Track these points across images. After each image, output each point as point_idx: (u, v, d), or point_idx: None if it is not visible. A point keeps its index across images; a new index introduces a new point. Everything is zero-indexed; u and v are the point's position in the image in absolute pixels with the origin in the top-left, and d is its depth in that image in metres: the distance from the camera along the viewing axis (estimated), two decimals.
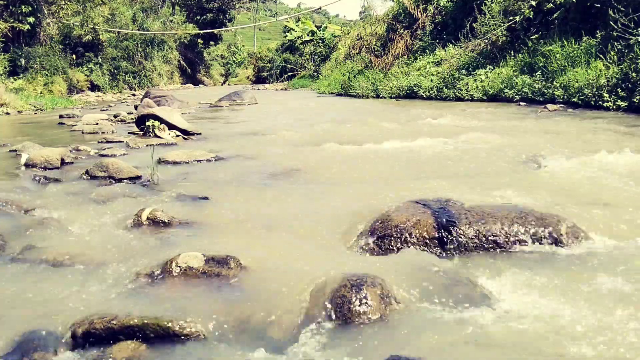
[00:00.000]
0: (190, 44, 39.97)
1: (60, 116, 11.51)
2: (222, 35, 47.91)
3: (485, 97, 11.68)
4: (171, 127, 7.17)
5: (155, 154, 4.62)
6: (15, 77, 17.59)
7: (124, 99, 21.22)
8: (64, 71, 20.65)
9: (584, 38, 9.78)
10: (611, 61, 8.73)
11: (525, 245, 2.42)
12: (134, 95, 23.76)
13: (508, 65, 11.65)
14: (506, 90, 11.09)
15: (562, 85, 9.61)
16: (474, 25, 13.11)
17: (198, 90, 31.23)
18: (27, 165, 4.89)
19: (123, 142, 6.73)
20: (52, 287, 2.16)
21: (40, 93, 17.85)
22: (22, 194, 3.73)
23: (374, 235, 2.55)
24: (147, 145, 6.21)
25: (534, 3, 11.22)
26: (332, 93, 19.02)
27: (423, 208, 2.66)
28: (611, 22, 8.80)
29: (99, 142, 6.93)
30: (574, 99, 9.13)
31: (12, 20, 17.59)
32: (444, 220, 2.51)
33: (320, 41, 30.55)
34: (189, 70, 38.77)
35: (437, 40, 15.52)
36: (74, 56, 23.31)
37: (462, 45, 13.59)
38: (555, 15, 10.88)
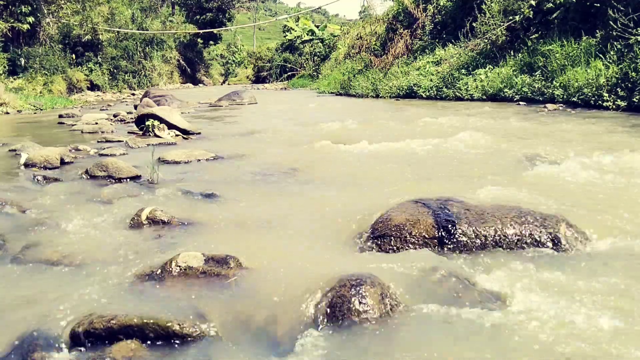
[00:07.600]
0: (189, 43, 39.97)
1: (60, 116, 11.51)
2: (221, 34, 47.95)
3: (484, 97, 11.67)
4: (171, 126, 7.17)
5: (155, 154, 4.62)
6: (15, 77, 17.60)
7: (123, 98, 21.21)
8: (63, 71, 20.65)
9: (584, 38, 9.77)
10: (611, 61, 8.73)
11: (524, 244, 2.41)
12: (133, 94, 23.75)
13: (508, 64, 11.64)
14: (506, 89, 11.08)
15: (561, 84, 9.61)
16: (474, 24, 13.10)
17: (198, 89, 31.23)
18: (26, 164, 4.89)
19: (123, 141, 6.72)
20: (51, 287, 2.16)
21: (40, 93, 17.85)
22: (21, 194, 3.72)
23: (374, 235, 2.55)
24: (147, 145, 6.21)
25: (533, 3, 11.21)
26: (331, 93, 19.01)
27: (423, 208, 2.66)
28: (611, 22, 8.80)
29: (98, 141, 6.93)
30: (573, 99, 9.13)
31: (12, 20, 17.59)
32: (444, 220, 2.51)
33: (319, 41, 30.55)
34: (189, 69, 38.78)
35: (437, 40, 15.52)
36: (74, 56, 23.30)
37: (461, 45, 13.59)
38: (555, 14, 10.87)
